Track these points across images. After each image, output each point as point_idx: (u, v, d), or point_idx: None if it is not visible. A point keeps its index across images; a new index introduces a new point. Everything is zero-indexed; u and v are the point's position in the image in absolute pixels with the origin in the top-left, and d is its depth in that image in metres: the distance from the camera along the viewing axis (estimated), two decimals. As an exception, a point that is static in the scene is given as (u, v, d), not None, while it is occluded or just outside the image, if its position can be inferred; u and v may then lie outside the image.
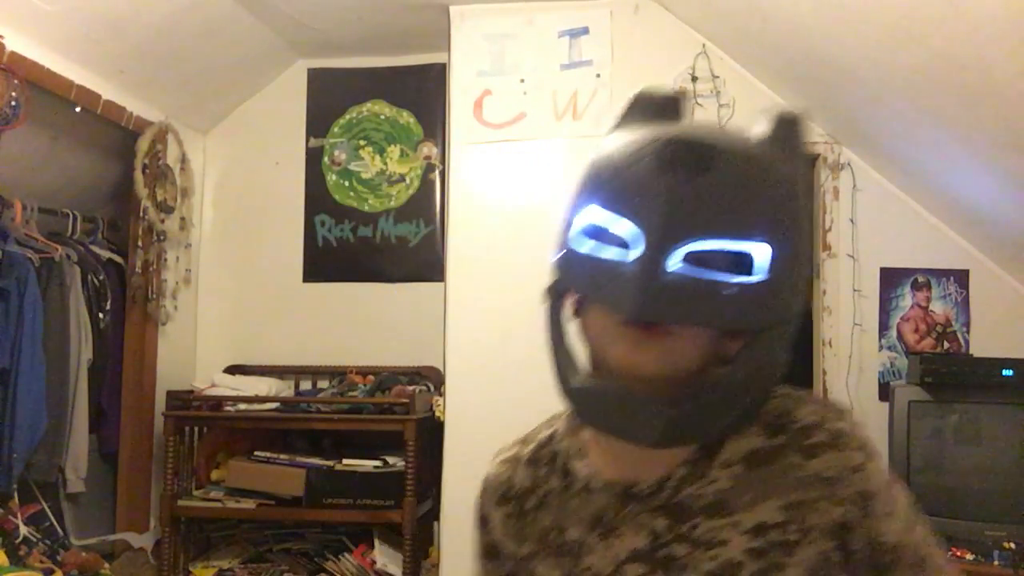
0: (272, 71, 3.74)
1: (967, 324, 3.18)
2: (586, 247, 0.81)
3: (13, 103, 2.57)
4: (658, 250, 0.75)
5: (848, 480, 0.83)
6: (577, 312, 0.86)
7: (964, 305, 3.18)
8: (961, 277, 3.18)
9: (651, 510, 0.86)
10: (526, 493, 0.96)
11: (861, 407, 3.20)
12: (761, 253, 0.76)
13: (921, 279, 3.20)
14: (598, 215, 0.80)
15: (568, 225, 0.84)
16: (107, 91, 3.02)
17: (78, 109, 2.91)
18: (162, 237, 3.40)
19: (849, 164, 3.25)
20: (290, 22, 3.36)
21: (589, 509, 0.89)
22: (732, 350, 0.81)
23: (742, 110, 3.30)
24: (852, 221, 3.24)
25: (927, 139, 2.79)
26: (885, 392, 3.09)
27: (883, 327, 3.22)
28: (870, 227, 3.23)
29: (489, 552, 1.01)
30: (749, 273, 0.76)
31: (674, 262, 0.75)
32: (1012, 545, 2.52)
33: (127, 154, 3.27)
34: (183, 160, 3.54)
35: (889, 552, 0.85)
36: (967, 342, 3.17)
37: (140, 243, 3.35)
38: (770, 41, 3.05)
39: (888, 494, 0.86)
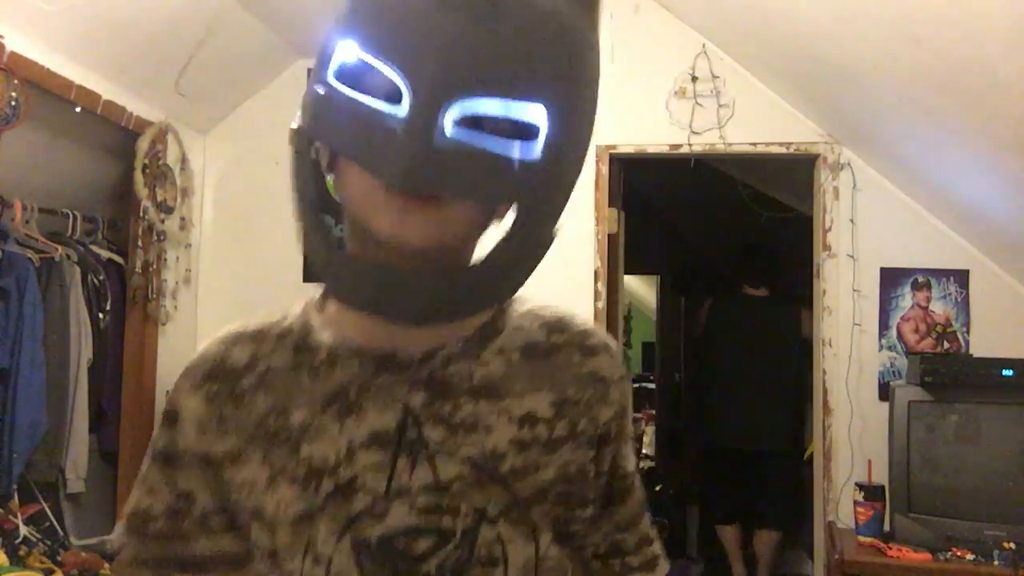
0: (272, 71, 3.74)
1: (967, 324, 3.18)
2: (344, 90, 0.67)
3: (13, 103, 2.57)
4: (430, 108, 0.63)
5: (616, 387, 0.82)
6: (330, 166, 0.74)
7: (964, 305, 3.18)
8: (961, 277, 3.18)
9: (409, 383, 0.75)
10: (241, 370, 0.78)
11: (861, 407, 3.21)
12: (544, 121, 0.66)
13: (921, 279, 3.20)
14: (357, 54, 0.67)
15: (325, 57, 0.69)
16: (107, 91, 3.02)
17: (78, 109, 2.91)
18: (162, 237, 3.40)
19: (849, 164, 3.25)
20: (290, 22, 3.36)
21: (327, 384, 0.75)
22: (500, 221, 0.73)
23: (742, 110, 3.30)
24: (852, 221, 3.24)
25: (927, 139, 2.79)
26: (885, 392, 3.09)
27: (883, 327, 3.23)
28: (870, 227, 3.24)
29: (166, 459, 0.79)
30: (530, 143, 0.66)
31: (448, 123, 0.63)
32: (1012, 545, 2.52)
33: (127, 154, 3.27)
34: (183, 160, 3.54)
35: (624, 479, 0.84)
36: (967, 342, 3.17)
37: (140, 243, 3.35)
38: (770, 41, 3.05)
39: (631, 419, 0.85)
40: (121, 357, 3.37)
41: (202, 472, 0.77)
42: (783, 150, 3.30)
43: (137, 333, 3.38)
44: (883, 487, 2.81)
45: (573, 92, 0.69)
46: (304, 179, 0.74)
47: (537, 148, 0.67)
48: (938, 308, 3.19)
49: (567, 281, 3.11)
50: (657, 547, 0.87)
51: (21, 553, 2.71)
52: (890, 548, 2.65)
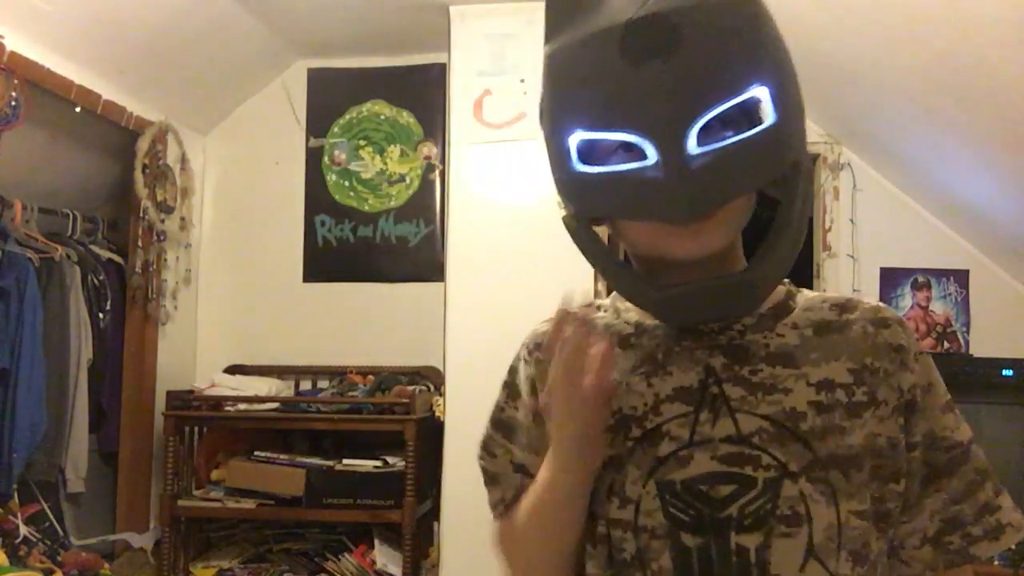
0: (272, 71, 3.74)
1: (967, 324, 3.18)
2: (594, 170, 0.77)
3: (13, 103, 2.57)
4: (673, 146, 0.71)
5: (915, 357, 0.82)
6: (604, 227, 0.84)
7: (964, 305, 3.18)
8: (961, 277, 3.18)
9: (710, 347, 0.82)
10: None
11: (861, 407, 3.21)
12: (763, 95, 0.73)
13: (921, 279, 3.20)
14: (587, 137, 0.77)
15: (561, 149, 0.80)
16: (107, 91, 3.02)
17: (78, 109, 2.91)
18: (162, 237, 3.40)
19: (849, 164, 3.26)
20: (290, 22, 3.36)
21: (637, 352, 0.85)
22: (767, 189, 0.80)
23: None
24: (852, 221, 3.24)
25: (927, 139, 2.79)
26: (885, 392, 3.09)
27: (883, 327, 3.22)
28: (870, 227, 3.24)
29: (510, 394, 0.94)
30: (759, 119, 0.74)
31: (692, 145, 0.71)
32: (1012, 545, 2.52)
33: (127, 154, 3.27)
34: (183, 160, 3.54)
35: (948, 451, 0.81)
36: (967, 342, 3.17)
37: (140, 243, 3.35)
38: (770, 41, 3.05)
39: (945, 392, 0.84)
40: (121, 357, 3.37)
41: (531, 421, 0.89)
42: (783, 150, 3.30)
43: (137, 333, 3.38)
44: (883, 487, 2.81)
45: (771, 60, 0.74)
46: (595, 250, 0.85)
47: (769, 112, 0.73)
48: (938, 308, 3.19)
49: (566, 281, 3.11)
50: (1005, 515, 0.84)
51: (21, 553, 2.72)
52: (890, 548, 2.65)
